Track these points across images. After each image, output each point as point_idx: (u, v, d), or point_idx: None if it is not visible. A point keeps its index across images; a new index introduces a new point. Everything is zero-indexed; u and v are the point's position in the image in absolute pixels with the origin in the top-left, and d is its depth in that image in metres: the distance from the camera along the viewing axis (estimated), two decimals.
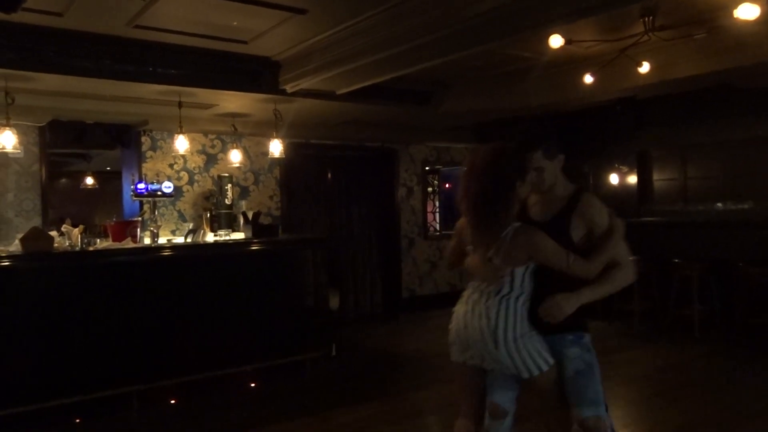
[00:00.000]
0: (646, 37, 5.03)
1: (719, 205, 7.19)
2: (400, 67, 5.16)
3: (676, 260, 6.64)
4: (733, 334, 6.39)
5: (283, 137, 6.48)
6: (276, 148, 6.30)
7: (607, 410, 2.57)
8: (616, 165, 8.29)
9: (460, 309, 2.74)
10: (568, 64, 6.34)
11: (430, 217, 9.49)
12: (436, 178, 9.81)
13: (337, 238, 8.19)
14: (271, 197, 7.64)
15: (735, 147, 7.12)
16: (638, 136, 7.98)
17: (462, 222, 2.79)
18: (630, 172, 8.38)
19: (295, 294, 6.02)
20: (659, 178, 8.32)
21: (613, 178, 8.42)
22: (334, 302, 8.39)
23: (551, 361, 2.56)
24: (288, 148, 6.86)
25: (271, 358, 5.53)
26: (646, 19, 4.94)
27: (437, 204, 9.73)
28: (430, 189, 9.66)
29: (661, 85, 6.26)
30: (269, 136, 6.35)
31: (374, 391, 5.15)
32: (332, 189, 8.35)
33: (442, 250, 9.31)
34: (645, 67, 5.49)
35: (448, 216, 9.92)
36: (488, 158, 2.57)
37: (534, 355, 2.53)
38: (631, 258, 2.67)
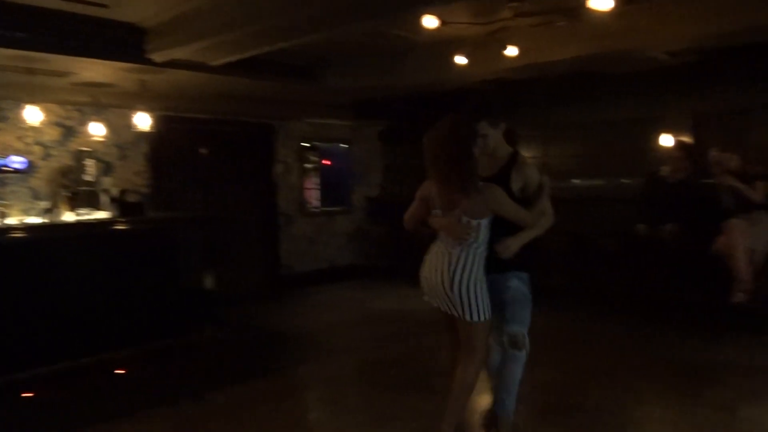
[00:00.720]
0: (513, 22, 5.28)
1: (576, 181, 7.79)
2: (276, 40, 5.04)
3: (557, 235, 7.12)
4: (589, 301, 6.98)
5: (151, 110, 6.11)
6: (143, 121, 5.93)
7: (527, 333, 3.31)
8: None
9: (428, 258, 3.33)
10: (444, 45, 6.51)
11: (308, 193, 9.44)
12: (315, 154, 9.75)
13: (214, 217, 7.90)
14: (138, 174, 7.19)
15: (592, 128, 7.71)
16: (507, 116, 8.37)
17: (426, 188, 3.32)
18: None
19: (168, 275, 5.76)
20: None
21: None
22: (212, 282, 8.10)
23: (489, 315, 3.17)
24: (157, 122, 6.48)
25: (143, 343, 5.28)
26: (513, 4, 5.17)
27: (316, 180, 9.69)
28: (308, 165, 9.59)
29: (528, 68, 6.62)
30: (136, 109, 5.95)
31: (253, 370, 5.07)
32: (207, 165, 8.02)
33: (321, 227, 9.31)
34: (512, 51, 5.76)
35: (328, 192, 9.92)
36: (450, 128, 3.13)
37: (479, 303, 3.13)
38: (552, 211, 3.35)
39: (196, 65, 5.54)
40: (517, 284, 3.30)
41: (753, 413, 3.76)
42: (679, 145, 6.12)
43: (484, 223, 3.12)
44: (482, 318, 3.15)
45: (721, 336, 5.36)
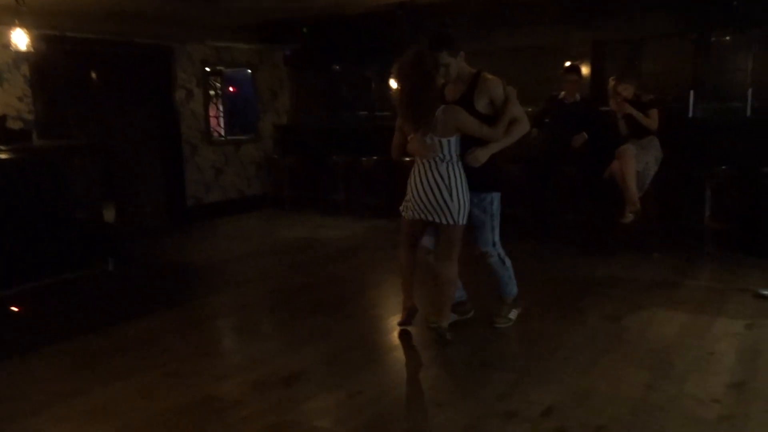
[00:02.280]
0: None
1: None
2: None
3: None
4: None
5: (29, 27, 5.52)
6: (20, 39, 5.37)
7: (494, 245, 3.87)
8: (397, 62, 8.59)
9: (413, 180, 3.71)
10: None
11: (213, 121, 9.05)
12: (219, 80, 9.30)
13: (110, 145, 7.43)
14: (20, 99, 6.57)
15: (496, 55, 7.78)
16: (417, 41, 8.30)
17: (400, 118, 3.72)
18: None
19: (60, 207, 5.42)
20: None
21: (394, 84, 8.74)
22: (111, 215, 7.72)
23: (462, 222, 3.65)
24: (38, 41, 5.90)
25: (36, 279, 4.99)
26: None
27: (221, 108, 9.29)
28: (212, 92, 9.15)
29: None
30: (11, 26, 5.37)
31: (160, 302, 4.94)
32: (100, 90, 7.45)
33: (228, 156, 9.03)
34: None
35: (234, 120, 9.56)
36: (413, 61, 3.50)
37: (457, 209, 3.60)
38: (526, 119, 3.67)
39: None
40: (477, 210, 3.73)
41: (634, 321, 4.13)
42: (571, 68, 6.34)
43: (453, 140, 3.55)
44: (460, 221, 3.65)
45: (612, 254, 5.78)
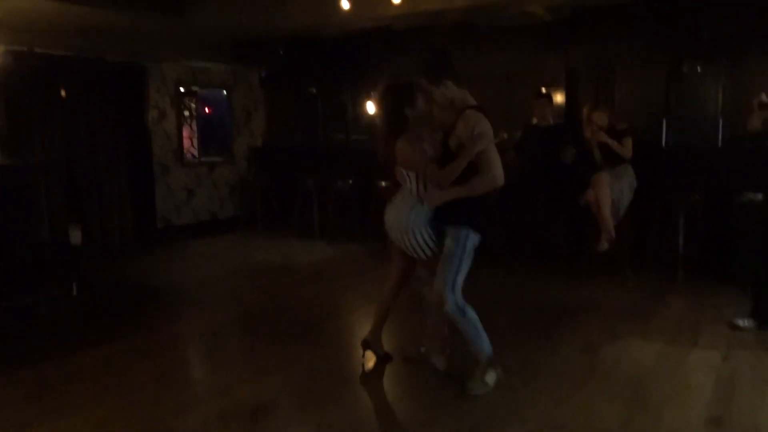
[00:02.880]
0: None
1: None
2: None
3: None
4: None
5: None
6: None
7: (453, 289, 3.34)
8: (372, 93, 8.58)
9: (391, 204, 3.62)
10: None
11: (186, 142, 8.90)
12: (194, 101, 9.17)
13: (78, 164, 7.25)
14: None
15: (472, 80, 7.80)
16: (393, 65, 8.31)
17: None
18: None
19: (22, 228, 5.22)
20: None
21: (370, 107, 8.73)
22: (77, 236, 7.48)
23: (430, 252, 3.46)
24: (5, 57, 5.75)
25: None
26: None
27: (195, 129, 9.15)
28: (186, 113, 9.02)
29: (412, 16, 6.55)
30: None
31: (124, 327, 4.76)
32: (68, 108, 7.26)
33: (201, 178, 8.87)
34: None
35: (208, 141, 9.42)
36: (381, 91, 3.58)
37: (421, 243, 3.44)
38: (495, 166, 3.30)
39: None
40: (449, 242, 3.39)
41: (609, 351, 4.07)
42: (542, 93, 6.40)
43: (412, 174, 3.44)
44: (423, 254, 3.51)
45: (586, 281, 5.75)
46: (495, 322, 4.06)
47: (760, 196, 4.93)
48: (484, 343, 3.45)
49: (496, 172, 3.29)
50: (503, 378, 3.49)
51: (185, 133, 8.84)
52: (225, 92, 9.24)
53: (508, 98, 7.30)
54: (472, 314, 3.42)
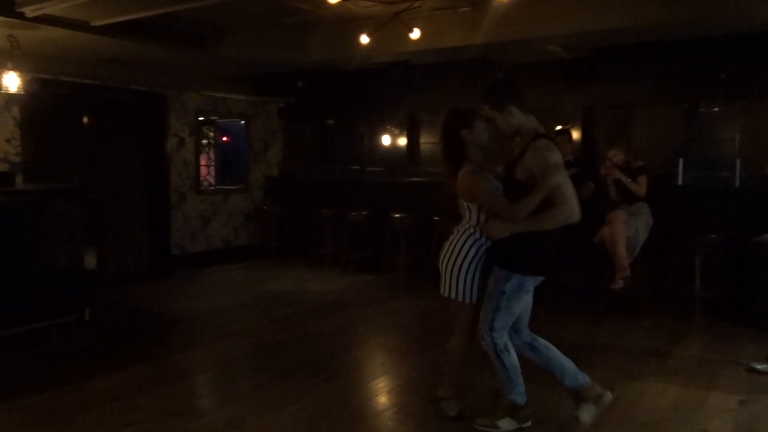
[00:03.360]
0: (417, 3, 5.24)
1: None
2: (165, 4, 4.68)
3: (437, 217, 7.20)
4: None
5: (23, 70, 5.52)
6: (12, 82, 5.35)
7: (492, 329, 3.19)
8: (389, 126, 8.67)
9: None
10: (347, 22, 6.38)
11: (204, 170, 9.03)
12: (212, 129, 9.33)
13: (97, 190, 7.34)
14: (9, 141, 6.51)
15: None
16: (409, 99, 8.42)
17: None
18: (401, 133, 8.84)
19: (39, 252, 5.27)
20: (426, 141, 8.91)
21: (386, 139, 8.81)
22: (92, 261, 7.54)
23: (473, 299, 3.27)
24: (32, 84, 5.90)
25: (11, 326, 4.78)
26: None
27: (212, 157, 9.28)
28: (205, 141, 9.16)
29: (431, 52, 6.64)
30: (5, 68, 5.36)
31: (137, 354, 4.76)
32: (91, 135, 7.42)
33: (216, 206, 8.95)
34: (416, 33, 5.73)
35: (225, 170, 9.54)
36: (442, 117, 3.34)
37: (460, 283, 3.25)
38: (571, 200, 3.08)
39: (74, 23, 5.05)
40: (491, 281, 3.24)
41: (626, 393, 3.99)
42: (562, 130, 6.41)
43: (473, 207, 3.26)
44: (460, 298, 3.30)
45: (602, 320, 5.67)
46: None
47: None
48: (515, 390, 3.32)
49: (573, 207, 3.07)
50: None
51: (203, 161, 8.96)
52: (243, 122, 9.37)
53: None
54: (510, 360, 3.26)
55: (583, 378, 3.33)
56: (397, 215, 7.44)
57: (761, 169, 5.63)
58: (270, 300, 6.63)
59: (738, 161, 6.45)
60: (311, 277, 7.69)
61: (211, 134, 9.29)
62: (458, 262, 3.27)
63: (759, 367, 4.33)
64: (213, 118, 9.05)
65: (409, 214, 7.41)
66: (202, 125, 8.87)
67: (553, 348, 3.39)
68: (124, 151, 7.74)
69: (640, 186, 5.66)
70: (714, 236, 5.67)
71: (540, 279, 3.26)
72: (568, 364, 3.34)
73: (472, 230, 3.29)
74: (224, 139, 9.75)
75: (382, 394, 4.01)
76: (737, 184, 6.42)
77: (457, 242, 3.31)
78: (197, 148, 8.67)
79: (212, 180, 9.24)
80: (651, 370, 4.38)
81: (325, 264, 8.23)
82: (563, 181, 3.08)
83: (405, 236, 7.45)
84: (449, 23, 6.12)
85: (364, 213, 7.93)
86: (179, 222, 8.39)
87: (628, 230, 5.51)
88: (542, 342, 3.41)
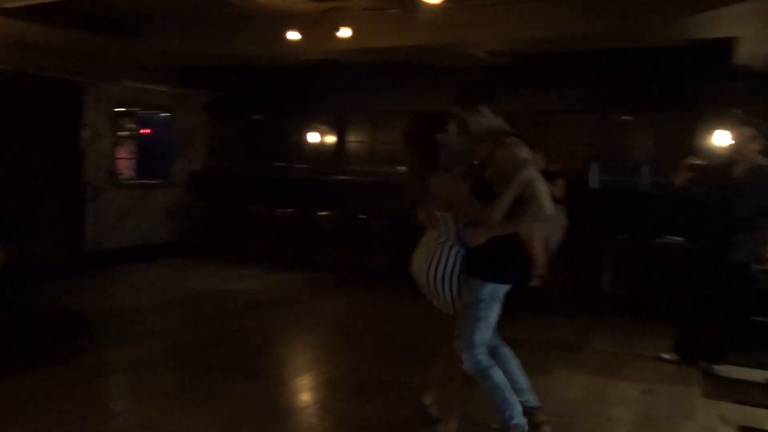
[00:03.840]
0: (346, 3, 5.28)
1: (402, 167, 8.06)
2: None
3: (363, 215, 7.27)
4: (407, 281, 7.27)
5: None
6: None
7: (472, 346, 3.00)
8: (317, 124, 8.67)
9: (418, 249, 3.20)
10: (277, 18, 6.33)
11: (123, 163, 8.69)
12: (133, 121, 8.99)
13: (4, 183, 6.94)
14: None
15: None
16: (338, 98, 8.44)
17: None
18: (328, 131, 8.85)
19: None
20: (353, 140, 8.97)
21: (313, 137, 8.80)
22: (1, 257, 7.13)
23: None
24: None
25: None
26: None
27: (133, 150, 8.95)
28: (124, 133, 8.82)
29: (360, 52, 6.69)
30: None
31: (48, 355, 4.53)
32: None
33: (135, 201, 8.64)
34: (345, 32, 5.76)
35: (145, 164, 9.22)
36: (408, 123, 3.18)
37: (448, 296, 3.07)
38: (543, 195, 2.94)
39: None
40: (464, 294, 3.07)
41: (537, 385, 4.17)
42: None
43: (450, 216, 3.04)
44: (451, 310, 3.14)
45: (516, 316, 5.88)
46: (430, 356, 4.11)
47: (678, 240, 5.26)
48: (514, 412, 3.05)
49: (545, 201, 2.95)
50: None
51: (122, 154, 8.63)
52: (166, 115, 9.09)
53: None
54: (498, 375, 3.06)
55: (518, 418, 3.09)
56: (324, 213, 7.45)
57: (667, 175, 6.03)
58: (191, 299, 6.48)
59: (647, 167, 6.88)
60: (235, 276, 7.57)
61: (131, 126, 8.95)
62: (442, 276, 3.06)
63: (666, 356, 4.69)
64: (134, 109, 8.73)
65: (335, 212, 7.43)
66: (121, 116, 8.53)
67: (514, 362, 3.33)
68: (35, 142, 7.34)
69: (557, 189, 5.93)
70: (623, 237, 6.02)
71: (509, 286, 3.15)
72: (514, 399, 3.12)
73: (449, 244, 3.07)
74: (146, 131, 9.43)
75: (304, 392, 4.03)
76: (645, 188, 6.85)
77: (439, 256, 3.07)
78: (115, 140, 8.34)
79: (131, 174, 8.91)
80: (561, 364, 4.62)
81: (250, 262, 8.12)
82: (534, 176, 2.97)
83: (331, 234, 7.47)
84: (378, 24, 6.19)
85: (291, 210, 7.89)
86: (95, 217, 8.04)
87: (544, 231, 5.74)
88: (506, 351, 3.37)
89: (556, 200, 6.00)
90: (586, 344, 5.15)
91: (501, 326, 5.27)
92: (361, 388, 4.01)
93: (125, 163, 8.78)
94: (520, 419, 3.06)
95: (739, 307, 4.55)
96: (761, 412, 3.81)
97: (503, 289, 3.12)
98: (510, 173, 2.92)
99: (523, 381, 3.32)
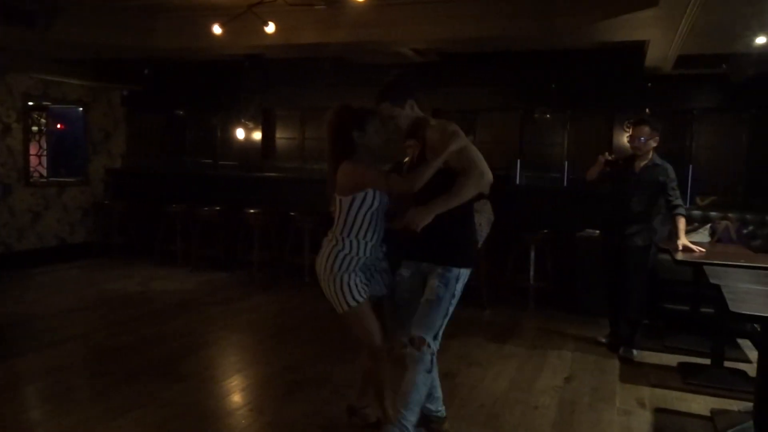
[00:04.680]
0: None
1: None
2: None
3: (293, 213, 7.18)
4: None
5: None
6: None
7: (436, 339, 2.90)
8: (243, 120, 8.50)
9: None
10: (199, 10, 6.17)
11: (34, 160, 8.20)
12: (44, 116, 8.49)
13: None
14: None
15: None
16: (265, 93, 8.31)
17: None
18: (256, 128, 8.70)
19: None
20: (281, 136, 8.85)
21: (240, 133, 8.62)
22: None
23: (352, 304, 2.95)
24: None
25: None
26: None
27: (44, 146, 8.45)
28: (35, 128, 8.31)
29: (287, 48, 6.62)
30: None
31: None
32: None
33: (49, 199, 8.19)
34: (271, 27, 5.69)
35: (60, 160, 8.74)
36: (329, 117, 3.09)
37: (339, 294, 2.96)
38: (480, 161, 2.83)
39: None
40: (436, 285, 2.91)
41: (467, 377, 4.29)
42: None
43: (345, 201, 2.97)
44: (352, 303, 2.98)
45: None
46: (358, 355, 4.12)
47: (596, 233, 5.51)
48: (416, 416, 2.95)
49: (483, 168, 2.84)
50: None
51: (33, 150, 8.14)
52: (81, 109, 8.65)
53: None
54: (435, 372, 3.04)
55: (436, 406, 3.21)
56: (251, 210, 7.30)
57: (583, 175, 6.33)
58: (112, 301, 6.20)
59: (566, 163, 7.17)
60: (159, 276, 7.31)
61: (43, 121, 8.45)
62: (330, 275, 3.00)
63: (603, 340, 5.05)
64: (45, 103, 8.24)
65: (263, 210, 7.31)
66: (31, 111, 8.05)
67: (436, 370, 3.14)
68: None
69: None
70: (546, 231, 6.24)
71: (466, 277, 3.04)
72: (440, 391, 3.19)
73: (335, 242, 3.01)
74: (58, 126, 8.92)
75: (234, 393, 3.94)
76: (565, 184, 7.14)
77: (325, 258, 3.03)
78: (25, 135, 7.86)
79: (44, 171, 8.42)
80: (490, 356, 4.75)
81: (174, 262, 7.87)
82: (468, 146, 2.87)
83: (259, 232, 7.34)
84: (305, 20, 6.14)
85: (217, 208, 7.69)
86: (5, 217, 7.57)
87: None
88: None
89: (483, 195, 6.17)
90: (512, 337, 5.31)
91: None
92: (293, 388, 3.97)
93: (37, 160, 8.28)
94: (441, 408, 3.24)
95: (645, 293, 4.84)
96: (674, 394, 4.06)
97: (467, 277, 3.01)
98: (441, 146, 2.83)
99: (440, 390, 3.29)
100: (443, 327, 2.94)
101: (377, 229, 3.04)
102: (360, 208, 2.97)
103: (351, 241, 2.99)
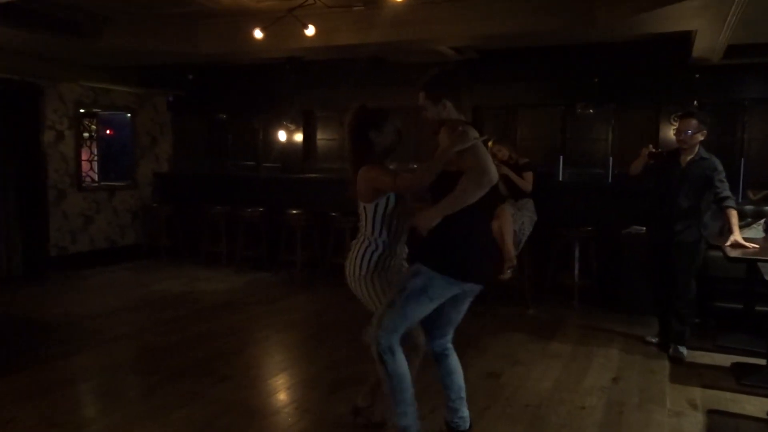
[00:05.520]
0: (312, 1, 5.25)
1: None
2: None
3: (334, 213, 7.24)
4: None
5: None
6: None
7: (381, 328, 2.85)
8: (284, 122, 8.60)
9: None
10: (240, 16, 6.27)
11: (86, 166, 8.49)
12: (94, 122, 8.78)
13: None
14: None
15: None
16: (305, 95, 8.39)
17: None
18: (297, 129, 8.79)
19: None
20: (322, 138, 8.93)
21: (281, 135, 8.73)
22: None
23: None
24: None
25: None
26: None
27: (95, 152, 8.74)
28: (86, 135, 8.61)
29: (326, 49, 6.67)
30: None
31: (13, 363, 4.41)
32: None
33: (100, 203, 8.46)
34: (310, 30, 5.73)
35: (109, 165, 9.02)
36: (348, 117, 3.15)
37: (376, 294, 3.03)
38: (485, 161, 2.78)
39: None
40: (405, 276, 2.95)
41: (511, 377, 4.23)
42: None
43: (369, 207, 3.03)
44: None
45: (489, 309, 5.96)
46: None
47: (643, 230, 5.37)
48: (402, 413, 2.92)
49: (486, 166, 2.76)
50: None
51: (84, 156, 8.43)
52: (128, 115, 8.91)
53: (418, 132, 7.53)
54: (394, 367, 2.87)
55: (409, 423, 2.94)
56: (293, 212, 7.39)
57: (627, 169, 6.18)
58: (159, 301, 6.37)
59: (611, 159, 7.01)
60: (204, 277, 7.47)
61: (94, 127, 8.74)
62: (367, 275, 3.03)
63: (652, 339, 4.94)
64: (95, 110, 8.52)
65: (305, 211, 7.39)
66: (82, 118, 8.33)
67: (458, 375, 3.17)
68: None
69: (526, 182, 6.00)
70: (590, 229, 6.12)
71: (458, 288, 2.92)
72: (410, 402, 2.95)
73: (368, 242, 3.06)
74: (107, 132, 9.22)
75: (280, 391, 4.00)
76: (610, 180, 6.98)
77: (359, 259, 3.05)
78: (77, 142, 8.15)
79: (95, 176, 8.71)
80: (534, 356, 4.68)
81: (218, 263, 8.03)
82: (475, 146, 2.81)
83: (301, 233, 7.42)
84: (343, 21, 6.17)
85: (260, 210, 7.82)
86: (59, 221, 7.85)
87: (514, 224, 5.81)
88: (453, 361, 3.19)
89: (525, 194, 6.09)
90: (557, 336, 5.22)
91: (473, 319, 5.33)
92: (336, 387, 4.00)
93: (88, 165, 8.57)
94: (404, 420, 2.94)
95: (695, 291, 4.69)
96: (727, 395, 3.93)
97: (442, 284, 2.86)
98: (451, 146, 2.81)
99: (459, 401, 3.20)
100: (387, 317, 2.85)
101: (402, 228, 3.12)
102: (385, 209, 3.05)
103: (383, 241, 3.06)
